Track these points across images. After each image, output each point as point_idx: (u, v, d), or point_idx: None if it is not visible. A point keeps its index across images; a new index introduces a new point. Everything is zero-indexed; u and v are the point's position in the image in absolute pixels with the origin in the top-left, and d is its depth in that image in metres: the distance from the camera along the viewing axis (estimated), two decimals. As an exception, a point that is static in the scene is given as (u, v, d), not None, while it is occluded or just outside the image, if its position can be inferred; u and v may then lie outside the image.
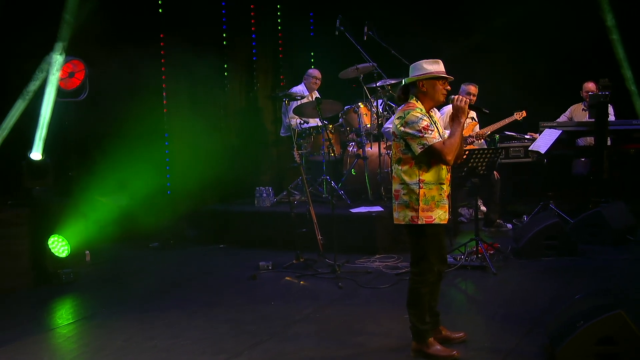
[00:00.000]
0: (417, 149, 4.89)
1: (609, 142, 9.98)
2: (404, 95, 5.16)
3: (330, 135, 9.44)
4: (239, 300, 6.92)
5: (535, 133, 10.22)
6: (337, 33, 9.89)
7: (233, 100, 11.46)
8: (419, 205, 4.94)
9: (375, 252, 8.49)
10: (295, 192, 9.81)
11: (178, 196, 10.23)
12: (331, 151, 8.93)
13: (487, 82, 10.87)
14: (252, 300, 6.91)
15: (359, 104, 9.95)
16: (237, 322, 6.17)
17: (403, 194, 5.00)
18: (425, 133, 4.86)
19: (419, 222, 4.96)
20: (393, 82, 9.98)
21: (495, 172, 9.58)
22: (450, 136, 4.93)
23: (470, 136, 9.60)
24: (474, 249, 7.84)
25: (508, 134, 10.63)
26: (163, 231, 9.88)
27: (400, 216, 5.05)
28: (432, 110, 5.12)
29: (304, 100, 10.01)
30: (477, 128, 10.13)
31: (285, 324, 6.09)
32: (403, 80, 5.20)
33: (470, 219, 10.40)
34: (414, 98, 5.06)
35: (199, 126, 10.31)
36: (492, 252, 8.01)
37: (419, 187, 4.94)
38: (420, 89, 5.04)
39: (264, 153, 11.90)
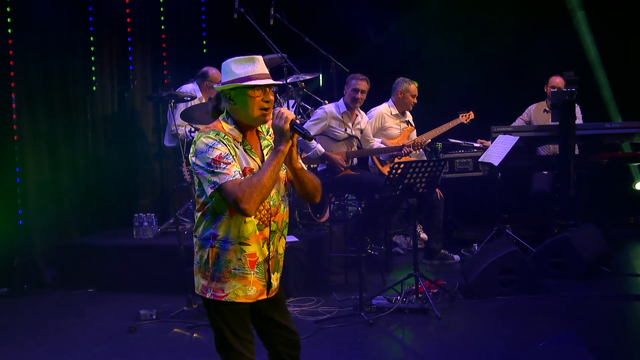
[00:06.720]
0: (208, 190, 4.16)
1: (576, 151, 10.23)
2: (216, 108, 4.48)
3: (229, 147, 9.43)
4: (114, 360, 6.87)
5: (487, 140, 10.40)
6: (235, 16, 9.86)
7: (103, 104, 11.21)
8: (208, 271, 4.29)
9: (289, 295, 8.43)
10: (185, 220, 9.78)
11: (33, 227, 10.01)
12: (230, 166, 8.91)
13: (425, 76, 11.08)
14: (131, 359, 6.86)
15: (265, 105, 9.96)
16: (111, 389, 6.15)
17: (196, 252, 4.38)
18: (217, 167, 4.10)
19: (207, 296, 4.30)
20: (308, 77, 10.06)
21: (437, 190, 9.73)
22: (256, 173, 4.19)
23: (405, 145, 9.72)
24: (413, 288, 7.94)
25: (453, 142, 10.80)
26: (14, 273, 9.72)
27: (196, 283, 4.41)
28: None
29: (195, 102, 9.95)
30: (414, 135, 10.26)
31: (174, 389, 6.09)
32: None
33: (408, 250, 10.55)
34: (225, 114, 4.37)
35: (59, 138, 10.18)
36: (435, 290, 8.14)
37: (210, 245, 4.28)
38: (229, 102, 4.31)
39: (144, 170, 11.69)
